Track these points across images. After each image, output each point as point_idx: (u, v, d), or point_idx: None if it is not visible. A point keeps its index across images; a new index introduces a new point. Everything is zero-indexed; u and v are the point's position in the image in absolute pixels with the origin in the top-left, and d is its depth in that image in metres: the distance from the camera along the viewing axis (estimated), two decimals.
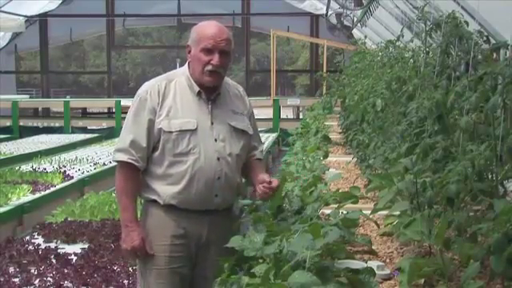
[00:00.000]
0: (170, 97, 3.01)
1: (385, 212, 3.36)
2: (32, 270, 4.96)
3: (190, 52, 3.05)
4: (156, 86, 3.03)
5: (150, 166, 3.02)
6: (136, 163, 2.98)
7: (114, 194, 7.57)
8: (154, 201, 3.04)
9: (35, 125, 16.51)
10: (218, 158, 3.00)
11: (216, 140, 3.01)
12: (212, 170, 2.99)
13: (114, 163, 3.11)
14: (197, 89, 3.03)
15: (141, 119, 2.99)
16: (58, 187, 8.10)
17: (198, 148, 2.97)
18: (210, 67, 2.98)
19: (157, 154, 3.00)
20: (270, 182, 3.03)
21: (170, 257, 3.00)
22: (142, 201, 3.14)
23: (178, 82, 3.06)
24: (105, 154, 11.10)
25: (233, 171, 3.06)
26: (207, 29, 3.01)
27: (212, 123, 3.03)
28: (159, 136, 2.98)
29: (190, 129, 2.98)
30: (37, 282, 4.73)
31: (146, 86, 3.06)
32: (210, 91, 3.06)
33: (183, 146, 2.97)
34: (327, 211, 3.33)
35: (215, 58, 2.97)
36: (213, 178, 2.99)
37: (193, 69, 3.05)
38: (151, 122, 2.98)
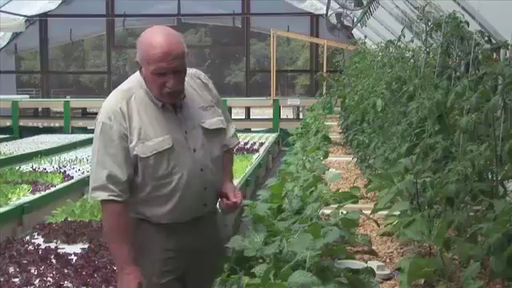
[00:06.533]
0: (135, 116, 2.73)
1: (385, 212, 3.37)
2: (32, 270, 4.95)
3: (141, 68, 2.72)
4: (118, 108, 2.72)
5: (133, 190, 2.79)
6: (119, 198, 2.71)
7: None
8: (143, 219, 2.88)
9: (35, 125, 16.50)
10: (202, 169, 2.82)
11: (195, 150, 2.81)
12: (197, 182, 2.81)
13: None
14: (160, 103, 2.78)
15: (113, 150, 2.71)
16: (58, 187, 8.09)
17: (180, 165, 2.77)
18: (167, 90, 2.69)
19: (138, 179, 2.77)
20: (234, 202, 2.86)
21: (161, 271, 2.84)
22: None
23: (137, 96, 2.76)
24: None
25: (217, 175, 2.90)
26: (155, 47, 2.63)
27: (186, 132, 2.81)
28: (136, 162, 2.75)
29: (167, 148, 2.75)
30: (37, 282, 4.73)
31: (105, 111, 2.74)
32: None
33: (163, 169, 2.75)
34: (327, 211, 3.34)
35: (170, 81, 2.67)
36: (200, 189, 2.83)
37: (150, 87, 2.74)
38: (126, 150, 2.71)
